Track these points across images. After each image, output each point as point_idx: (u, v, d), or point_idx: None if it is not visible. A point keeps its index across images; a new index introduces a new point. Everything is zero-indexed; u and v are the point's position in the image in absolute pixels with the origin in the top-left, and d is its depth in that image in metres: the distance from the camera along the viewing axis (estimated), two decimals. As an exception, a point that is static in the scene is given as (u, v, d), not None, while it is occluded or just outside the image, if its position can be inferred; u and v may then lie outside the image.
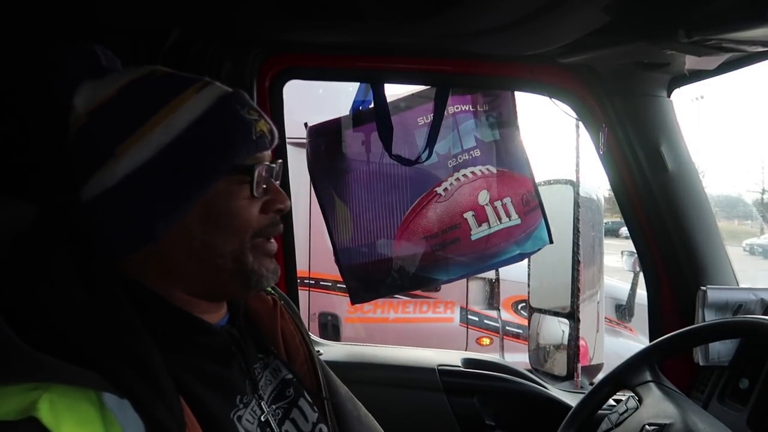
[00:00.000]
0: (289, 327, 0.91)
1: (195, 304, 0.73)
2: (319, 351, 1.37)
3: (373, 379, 1.47)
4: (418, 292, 3.54)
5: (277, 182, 0.78)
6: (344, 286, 1.60)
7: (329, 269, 2.60)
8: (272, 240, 0.76)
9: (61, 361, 0.56)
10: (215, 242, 0.70)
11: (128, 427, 0.56)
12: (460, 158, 1.58)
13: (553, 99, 1.41)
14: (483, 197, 1.58)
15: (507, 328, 3.61)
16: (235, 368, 0.75)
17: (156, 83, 0.70)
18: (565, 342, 2.02)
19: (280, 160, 0.78)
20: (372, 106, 1.53)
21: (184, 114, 0.68)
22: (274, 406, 0.78)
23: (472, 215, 1.57)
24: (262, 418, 0.74)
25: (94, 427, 0.55)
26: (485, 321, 3.64)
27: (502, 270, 3.35)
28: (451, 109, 1.57)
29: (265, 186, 0.74)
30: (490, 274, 3.61)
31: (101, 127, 0.68)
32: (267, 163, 0.74)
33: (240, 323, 0.81)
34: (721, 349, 1.25)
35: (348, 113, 1.60)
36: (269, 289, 0.92)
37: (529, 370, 1.78)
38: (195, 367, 0.69)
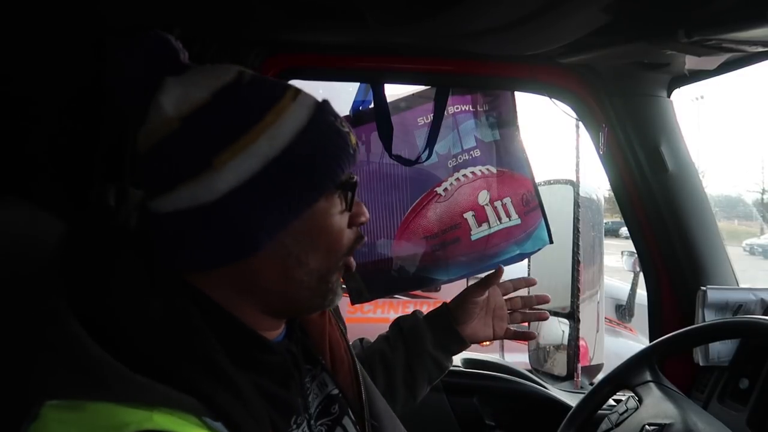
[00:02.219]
0: (336, 335, 0.87)
1: (260, 321, 0.69)
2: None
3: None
4: (418, 292, 3.54)
5: None
6: (344, 286, 1.60)
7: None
8: (351, 256, 0.73)
9: (163, 386, 0.53)
10: (308, 259, 0.67)
11: None
12: (460, 158, 1.58)
13: (553, 99, 1.41)
14: (483, 197, 1.58)
15: (507, 328, 3.60)
16: (293, 387, 0.71)
17: (253, 88, 0.64)
18: (565, 342, 2.02)
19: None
20: (372, 106, 1.53)
21: (288, 123, 0.63)
22: (318, 423, 0.74)
23: (472, 215, 1.57)
24: None
25: None
26: (485, 321, 3.63)
27: (502, 270, 3.34)
28: (451, 109, 1.57)
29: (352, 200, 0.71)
30: (491, 275, 3.60)
31: (196, 134, 0.61)
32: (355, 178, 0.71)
33: (297, 336, 0.78)
34: (721, 349, 1.25)
35: (348, 113, 1.60)
36: None
37: (529, 370, 1.78)
38: (259, 386, 0.64)
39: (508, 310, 1.20)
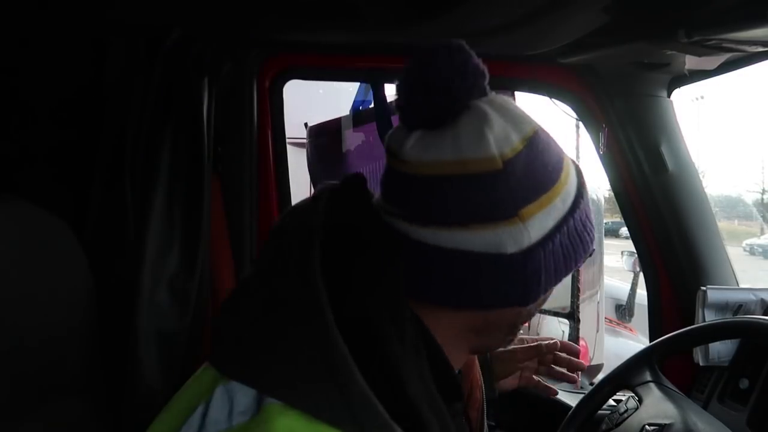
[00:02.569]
0: (477, 378, 0.86)
1: (458, 362, 0.66)
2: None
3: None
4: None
5: None
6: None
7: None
8: None
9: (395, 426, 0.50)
10: (534, 311, 0.67)
11: None
12: (460, 158, 1.58)
13: (553, 99, 1.41)
14: (483, 197, 1.57)
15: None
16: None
17: (549, 141, 0.62)
18: (565, 342, 2.02)
19: None
20: (372, 106, 1.53)
21: (572, 185, 0.62)
22: None
23: (472, 215, 1.56)
24: None
25: None
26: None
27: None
28: (451, 109, 1.57)
29: None
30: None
31: (511, 181, 0.57)
32: None
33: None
34: (721, 349, 1.25)
35: (348, 113, 1.60)
36: None
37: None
38: None
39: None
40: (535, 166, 0.58)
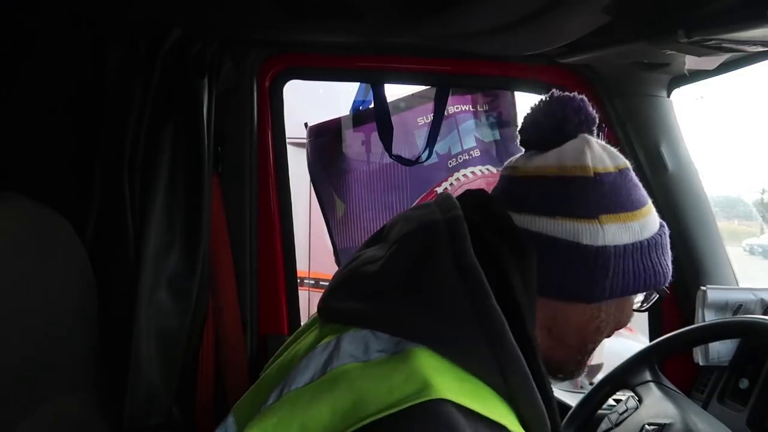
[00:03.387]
0: None
1: None
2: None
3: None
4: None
5: None
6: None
7: (329, 269, 2.60)
8: None
9: (541, 400, 0.57)
10: (603, 331, 0.73)
11: None
12: (461, 158, 1.58)
13: (553, 99, 1.41)
14: (483, 197, 1.57)
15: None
16: None
17: (637, 182, 0.76)
18: (565, 342, 2.02)
19: None
20: (372, 106, 1.53)
21: (652, 221, 0.74)
22: None
23: (472, 215, 1.56)
24: None
25: None
26: (485, 321, 3.63)
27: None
28: (451, 109, 1.57)
29: None
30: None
31: (599, 189, 0.70)
32: None
33: None
34: (721, 349, 1.25)
35: (348, 113, 1.60)
36: None
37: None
38: None
39: None
40: (622, 189, 0.71)
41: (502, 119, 1.60)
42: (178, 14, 1.17)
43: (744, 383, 1.19)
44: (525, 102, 1.70)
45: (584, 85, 1.36)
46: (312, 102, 2.72)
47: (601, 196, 0.70)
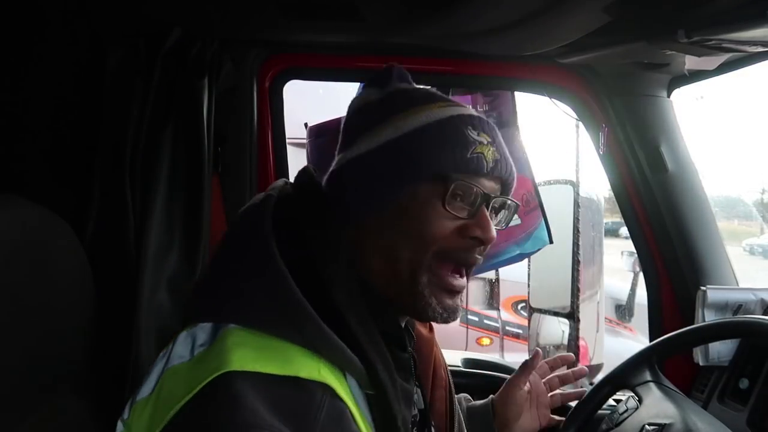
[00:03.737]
0: (439, 356, 0.91)
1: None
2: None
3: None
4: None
5: (501, 219, 0.80)
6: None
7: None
8: (459, 276, 0.75)
9: (344, 346, 0.61)
10: (398, 244, 0.73)
11: (366, 416, 0.62)
12: (460, 158, 1.58)
13: (553, 99, 1.41)
14: (483, 197, 1.57)
15: (507, 328, 3.61)
16: (411, 383, 0.76)
17: (408, 94, 0.81)
18: (565, 342, 2.02)
19: (513, 203, 0.82)
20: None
21: (413, 121, 0.76)
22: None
23: (472, 215, 1.56)
24: None
25: (359, 407, 0.61)
26: (485, 321, 3.64)
27: (502, 270, 3.34)
28: (451, 109, 1.57)
29: (471, 209, 0.74)
30: (490, 274, 3.61)
31: (356, 120, 0.82)
32: (486, 191, 0.75)
33: (414, 344, 0.83)
34: (721, 349, 1.25)
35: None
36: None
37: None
38: (396, 379, 0.69)
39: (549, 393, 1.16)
40: (378, 109, 0.81)
41: (502, 119, 1.60)
42: (178, 14, 1.17)
43: (744, 383, 1.19)
44: (525, 102, 1.70)
45: (584, 85, 1.36)
46: (312, 102, 2.72)
47: (355, 123, 0.82)
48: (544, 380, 1.15)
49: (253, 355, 0.57)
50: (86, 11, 1.13)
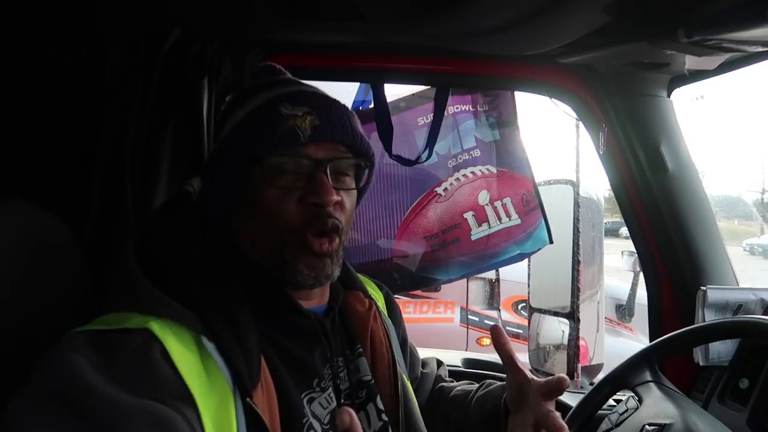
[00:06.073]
0: (379, 333, 0.92)
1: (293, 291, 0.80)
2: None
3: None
4: (418, 292, 3.54)
5: (345, 180, 0.83)
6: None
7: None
8: (321, 239, 0.78)
9: (172, 300, 0.67)
10: (255, 232, 0.79)
11: (222, 367, 0.66)
12: (460, 158, 1.58)
13: (553, 99, 1.41)
14: (483, 197, 1.58)
15: (507, 328, 3.60)
16: (317, 354, 0.80)
17: (249, 89, 0.84)
18: (565, 342, 2.02)
19: (350, 158, 0.84)
20: (372, 106, 1.53)
21: (239, 113, 0.80)
22: (344, 402, 0.80)
23: (472, 215, 1.57)
24: (334, 410, 0.77)
25: (191, 349, 0.66)
26: (485, 321, 3.64)
27: (502, 270, 3.35)
28: (451, 109, 1.57)
29: (302, 179, 0.77)
30: (490, 274, 3.61)
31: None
32: (315, 158, 0.77)
33: (334, 315, 0.86)
34: (721, 349, 1.25)
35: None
36: (375, 291, 1.02)
37: (529, 370, 1.77)
38: (278, 342, 0.76)
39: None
40: (231, 107, 0.86)
41: (502, 119, 1.60)
42: (178, 14, 1.17)
43: (744, 383, 1.19)
44: (525, 102, 1.70)
45: (584, 85, 1.36)
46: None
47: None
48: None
49: (98, 321, 0.67)
50: (86, 11, 1.13)
